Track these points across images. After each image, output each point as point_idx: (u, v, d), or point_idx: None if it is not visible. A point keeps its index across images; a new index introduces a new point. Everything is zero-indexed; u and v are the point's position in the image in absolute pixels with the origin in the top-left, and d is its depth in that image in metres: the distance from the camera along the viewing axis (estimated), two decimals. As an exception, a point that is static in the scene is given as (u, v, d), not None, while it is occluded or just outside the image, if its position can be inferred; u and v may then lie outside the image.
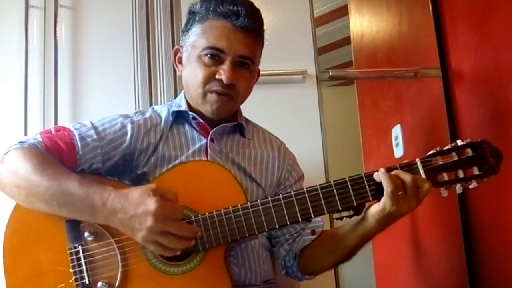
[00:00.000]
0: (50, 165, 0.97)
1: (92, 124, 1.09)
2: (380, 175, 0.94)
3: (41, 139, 1.02)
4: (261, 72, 1.23)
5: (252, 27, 1.09)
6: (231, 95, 1.10)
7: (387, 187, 0.92)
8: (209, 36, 1.08)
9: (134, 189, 0.93)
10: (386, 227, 0.99)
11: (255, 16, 1.10)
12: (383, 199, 0.93)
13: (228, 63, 1.07)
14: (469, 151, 0.98)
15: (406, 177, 0.93)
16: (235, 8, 1.06)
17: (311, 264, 1.12)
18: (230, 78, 1.06)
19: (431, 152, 0.99)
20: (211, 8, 1.08)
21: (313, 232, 1.13)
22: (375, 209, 0.95)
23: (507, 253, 1.30)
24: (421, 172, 0.96)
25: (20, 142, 1.02)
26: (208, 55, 1.08)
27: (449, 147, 0.99)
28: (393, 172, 0.95)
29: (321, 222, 1.16)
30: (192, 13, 1.13)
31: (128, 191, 0.93)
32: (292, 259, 1.14)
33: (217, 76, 1.07)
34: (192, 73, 1.11)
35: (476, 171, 0.97)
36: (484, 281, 1.42)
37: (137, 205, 0.90)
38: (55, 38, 1.61)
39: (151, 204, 0.89)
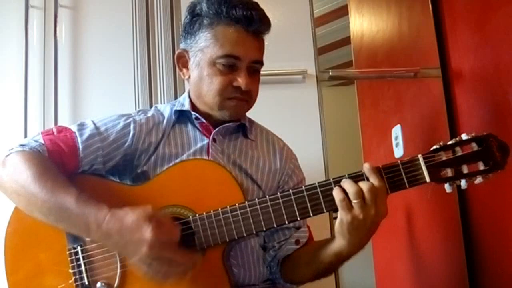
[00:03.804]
0: (50, 176, 0.95)
1: (94, 124, 1.08)
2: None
3: (43, 141, 1.01)
4: (261, 72, 1.23)
5: (263, 31, 1.09)
6: (247, 99, 1.11)
7: (335, 197, 0.90)
8: (224, 43, 1.05)
9: (130, 213, 0.88)
10: (358, 245, 0.95)
11: (266, 20, 1.09)
12: (338, 212, 0.91)
13: (244, 70, 1.07)
14: (474, 146, 0.94)
15: (362, 185, 0.90)
16: (249, 12, 1.05)
17: (290, 273, 1.12)
18: (248, 85, 1.06)
19: (434, 147, 0.95)
20: (224, 13, 1.05)
21: (297, 242, 1.13)
22: (336, 223, 0.93)
23: (507, 253, 1.30)
24: (423, 168, 0.93)
25: (22, 145, 1.00)
26: (224, 63, 1.06)
27: (453, 141, 0.95)
28: (347, 182, 0.91)
29: (307, 232, 1.16)
30: (197, 15, 1.10)
31: (124, 214, 0.89)
32: (276, 266, 1.14)
33: (234, 84, 1.07)
34: (207, 81, 1.09)
35: (481, 166, 0.93)
36: (484, 281, 1.42)
37: (132, 231, 0.87)
38: (55, 38, 1.61)
39: (147, 232, 0.85)
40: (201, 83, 1.10)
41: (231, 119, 1.13)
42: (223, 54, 1.06)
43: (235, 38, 1.06)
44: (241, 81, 1.06)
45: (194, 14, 1.11)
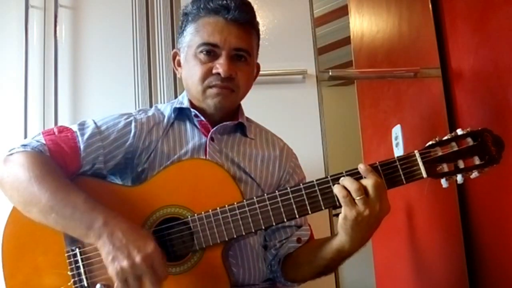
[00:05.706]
0: (55, 176, 0.96)
1: (95, 123, 1.09)
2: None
3: (44, 142, 1.01)
4: (261, 72, 1.23)
5: (244, 19, 1.09)
6: (231, 88, 1.10)
7: (337, 194, 0.91)
8: (203, 33, 1.09)
9: (144, 228, 0.95)
10: (360, 242, 0.95)
11: (246, 8, 1.10)
12: (342, 208, 0.92)
13: (224, 57, 1.07)
14: (469, 141, 0.95)
15: (366, 181, 0.90)
16: (225, 2, 1.07)
17: (292, 271, 1.12)
18: (227, 71, 1.06)
19: (430, 142, 0.96)
20: (202, 6, 1.09)
21: (298, 240, 1.14)
22: (339, 219, 0.93)
23: (507, 253, 1.30)
24: (420, 164, 0.93)
25: (23, 145, 1.00)
26: (204, 52, 1.08)
27: (449, 137, 0.96)
28: (347, 179, 0.92)
29: (308, 231, 1.16)
30: (185, 14, 1.14)
31: (138, 225, 0.94)
32: (277, 264, 1.14)
33: (214, 71, 1.08)
34: (190, 72, 1.11)
35: (477, 160, 0.94)
36: (484, 281, 1.42)
37: (138, 237, 0.89)
38: (55, 38, 1.61)
39: (151, 247, 0.87)
40: (187, 76, 1.13)
41: (217, 110, 1.12)
42: (201, 43, 1.08)
43: (213, 26, 1.08)
44: (219, 66, 1.07)
45: (183, 14, 1.14)
